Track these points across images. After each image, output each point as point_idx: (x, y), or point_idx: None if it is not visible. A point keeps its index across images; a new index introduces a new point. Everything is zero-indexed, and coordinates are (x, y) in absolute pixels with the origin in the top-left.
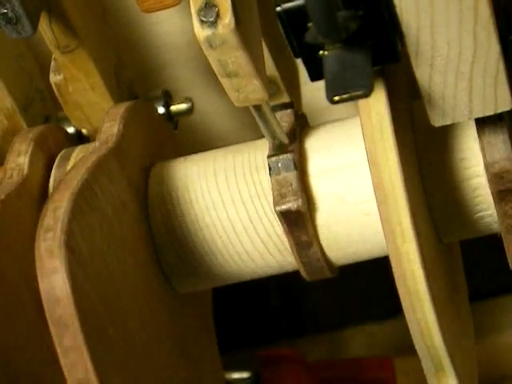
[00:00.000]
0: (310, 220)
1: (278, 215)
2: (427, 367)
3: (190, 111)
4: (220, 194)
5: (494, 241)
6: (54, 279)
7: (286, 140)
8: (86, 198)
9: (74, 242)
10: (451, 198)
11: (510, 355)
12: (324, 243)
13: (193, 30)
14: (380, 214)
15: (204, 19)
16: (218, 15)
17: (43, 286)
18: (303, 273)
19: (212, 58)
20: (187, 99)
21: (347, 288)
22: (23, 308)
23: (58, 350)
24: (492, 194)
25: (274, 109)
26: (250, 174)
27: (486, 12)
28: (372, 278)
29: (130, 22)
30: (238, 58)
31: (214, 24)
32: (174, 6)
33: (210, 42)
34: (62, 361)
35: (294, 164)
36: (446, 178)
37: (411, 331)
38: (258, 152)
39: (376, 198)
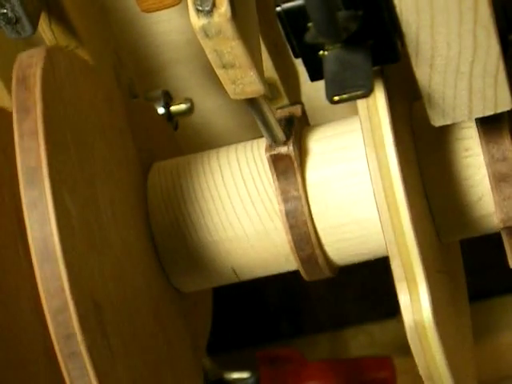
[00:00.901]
0: (300, 175)
1: (268, 162)
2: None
3: (189, 111)
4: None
5: (493, 241)
6: (30, 72)
7: (283, 138)
8: (69, 59)
9: (52, 66)
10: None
11: (510, 355)
12: (313, 205)
13: (193, 29)
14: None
15: (200, 8)
16: (214, 4)
17: (16, 74)
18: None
19: (208, 47)
20: (187, 100)
21: (347, 288)
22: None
23: (16, 135)
24: (480, 136)
25: (282, 106)
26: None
27: (485, 12)
28: (372, 277)
29: (130, 22)
30: (233, 49)
31: (209, 13)
32: (173, 5)
33: (205, 31)
34: (18, 147)
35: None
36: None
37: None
38: (261, 143)
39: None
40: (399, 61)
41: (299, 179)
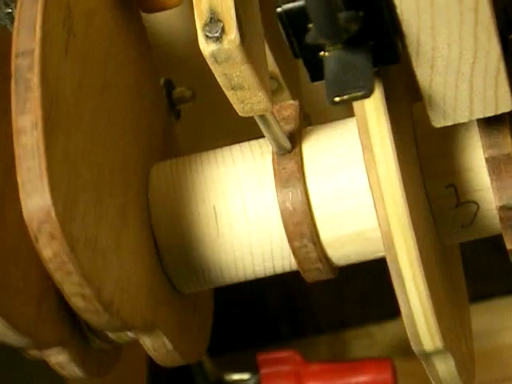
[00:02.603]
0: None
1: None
2: None
3: (191, 99)
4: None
5: (494, 243)
6: None
7: (288, 145)
8: None
9: None
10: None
11: (510, 357)
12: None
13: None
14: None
15: (209, 35)
16: (223, 30)
17: None
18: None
19: (217, 72)
20: (188, 88)
21: (347, 289)
22: None
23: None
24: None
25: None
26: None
27: (486, 13)
28: (372, 278)
29: None
30: (242, 72)
31: (219, 39)
32: (175, 6)
33: (215, 57)
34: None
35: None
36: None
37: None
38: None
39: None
40: (400, 62)
41: (297, 136)
